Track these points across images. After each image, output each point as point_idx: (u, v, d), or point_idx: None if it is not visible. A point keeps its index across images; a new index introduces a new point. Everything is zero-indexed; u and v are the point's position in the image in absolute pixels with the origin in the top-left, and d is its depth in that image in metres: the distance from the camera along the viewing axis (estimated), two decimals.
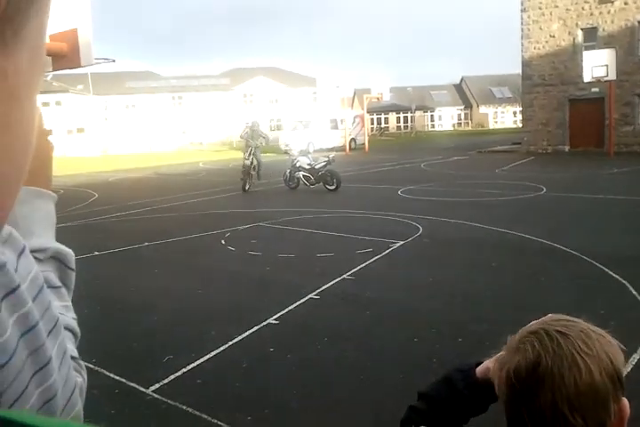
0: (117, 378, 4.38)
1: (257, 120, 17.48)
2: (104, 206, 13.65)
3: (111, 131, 48.04)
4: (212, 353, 4.76)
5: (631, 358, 4.22)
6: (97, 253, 8.67)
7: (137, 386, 4.24)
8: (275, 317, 5.54)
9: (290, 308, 5.78)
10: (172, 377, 4.36)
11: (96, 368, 4.54)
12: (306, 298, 6.07)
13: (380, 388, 4.12)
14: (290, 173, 15.79)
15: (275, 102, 55.24)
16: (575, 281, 6.41)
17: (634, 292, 5.78)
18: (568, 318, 0.99)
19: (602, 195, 12.38)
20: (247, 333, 5.17)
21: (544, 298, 5.87)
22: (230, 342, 4.97)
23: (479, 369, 1.18)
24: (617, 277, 6.31)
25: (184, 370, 4.46)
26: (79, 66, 7.13)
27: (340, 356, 4.68)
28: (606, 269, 6.61)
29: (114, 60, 8.67)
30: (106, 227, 11.09)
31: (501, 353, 1.01)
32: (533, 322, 1.02)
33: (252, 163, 15.92)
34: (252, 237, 9.41)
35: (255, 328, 5.27)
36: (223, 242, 9.05)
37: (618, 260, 7.00)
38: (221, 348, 4.86)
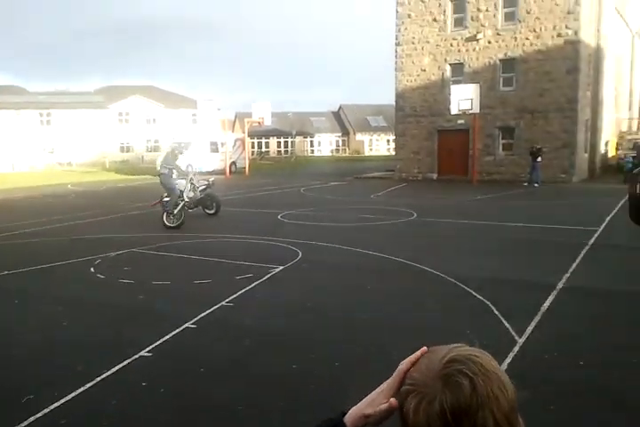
0: None
1: (180, 143, 14.83)
2: None
3: None
4: (79, 391, 4.43)
5: None
6: None
7: None
8: (148, 349, 5.28)
9: (164, 338, 5.55)
10: (32, 419, 3.99)
11: None
12: (182, 327, 5.86)
13: (260, 418, 4.05)
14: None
15: (152, 122, 53.79)
16: (443, 302, 6.75)
17: (496, 311, 6.18)
18: (454, 344, 1.00)
19: (467, 220, 13.23)
20: (117, 367, 4.88)
21: (415, 319, 6.11)
22: (98, 378, 4.66)
23: (351, 418, 1.09)
24: (480, 297, 6.73)
25: (46, 411, 4.11)
26: None
27: (218, 387, 4.55)
28: (471, 291, 7.02)
29: None
30: None
31: (408, 390, 0.96)
32: (424, 359, 0.99)
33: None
34: (125, 264, 8.98)
35: (126, 362, 4.99)
36: (92, 270, 8.55)
37: (481, 281, 7.48)
38: (88, 385, 4.54)
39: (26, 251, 10.38)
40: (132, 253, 9.87)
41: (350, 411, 1.10)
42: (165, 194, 13.24)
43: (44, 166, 43.96)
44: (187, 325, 5.94)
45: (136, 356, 5.11)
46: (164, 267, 8.85)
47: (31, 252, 10.27)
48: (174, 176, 13.40)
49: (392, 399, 1.02)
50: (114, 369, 4.83)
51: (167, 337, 5.59)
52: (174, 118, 54.11)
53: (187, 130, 49.47)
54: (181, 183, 15.15)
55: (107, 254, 9.60)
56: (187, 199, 13.15)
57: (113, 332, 5.88)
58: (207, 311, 6.37)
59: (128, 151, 52.54)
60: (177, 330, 5.78)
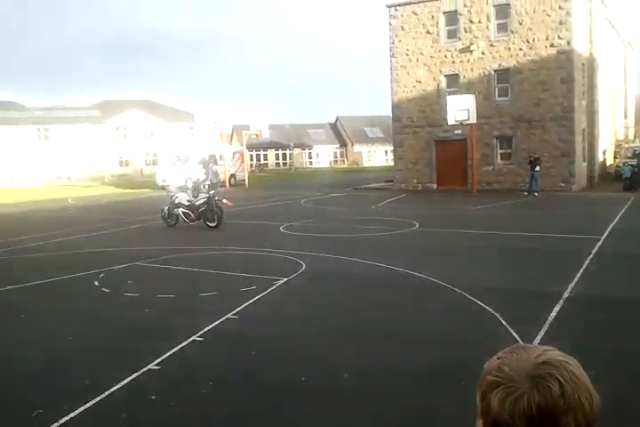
0: None
1: (205, 157, 18.03)
2: None
3: None
4: (88, 404, 4.41)
5: None
6: None
7: None
8: (155, 362, 5.27)
9: (172, 351, 5.54)
10: None
11: None
12: (189, 340, 5.85)
13: None
14: (168, 209, 15.35)
15: (150, 136, 53.94)
16: (448, 312, 6.74)
17: (503, 322, 6.17)
18: (546, 346, 1.03)
19: (468, 230, 13.25)
20: (126, 380, 4.86)
21: (422, 330, 6.10)
22: (107, 392, 4.64)
23: None
24: (487, 308, 6.72)
25: (56, 425, 4.09)
26: None
27: (228, 400, 4.53)
28: (477, 301, 7.01)
29: None
30: None
31: (496, 382, 0.96)
32: (514, 355, 0.99)
33: None
34: (129, 278, 8.97)
35: (135, 375, 4.97)
36: (97, 283, 8.53)
37: (487, 291, 7.47)
38: (97, 398, 4.53)
39: (29, 265, 10.36)
40: (136, 266, 9.86)
41: None
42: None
43: (42, 181, 43.97)
44: (193, 338, 5.92)
45: (144, 369, 5.09)
46: (168, 280, 8.84)
47: (35, 266, 10.24)
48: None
49: None
50: (122, 382, 4.81)
51: (174, 350, 5.57)
52: (172, 132, 54.26)
53: (185, 143, 49.60)
54: (182, 196, 15.29)
55: (110, 268, 9.59)
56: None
57: (120, 345, 5.87)
58: (213, 324, 6.35)
59: (127, 165, 52.62)
60: (184, 343, 5.77)
